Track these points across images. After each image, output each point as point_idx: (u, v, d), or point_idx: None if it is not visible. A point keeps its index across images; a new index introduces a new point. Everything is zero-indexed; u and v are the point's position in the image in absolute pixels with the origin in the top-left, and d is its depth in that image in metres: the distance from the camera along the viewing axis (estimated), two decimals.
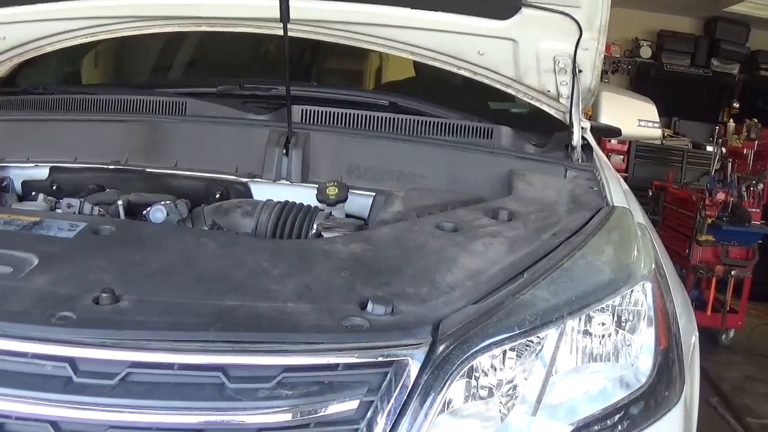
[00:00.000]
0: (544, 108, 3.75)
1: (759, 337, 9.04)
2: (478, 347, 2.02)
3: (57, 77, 4.74)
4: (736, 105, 11.45)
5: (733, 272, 8.53)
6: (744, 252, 8.64)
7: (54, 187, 3.28)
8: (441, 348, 1.98)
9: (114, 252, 2.33)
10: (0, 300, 1.98)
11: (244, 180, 3.31)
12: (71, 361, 1.85)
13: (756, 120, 9.54)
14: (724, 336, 8.88)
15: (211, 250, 2.38)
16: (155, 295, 2.06)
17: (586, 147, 3.60)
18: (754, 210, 8.77)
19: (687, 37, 12.52)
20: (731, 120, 10.22)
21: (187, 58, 5.13)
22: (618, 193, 3.07)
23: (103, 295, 1.98)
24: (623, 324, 2.24)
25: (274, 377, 1.88)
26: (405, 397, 1.94)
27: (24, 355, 1.86)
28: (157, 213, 2.88)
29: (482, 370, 2.04)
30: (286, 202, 3.01)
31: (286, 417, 1.87)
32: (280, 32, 3.07)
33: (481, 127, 3.56)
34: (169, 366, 1.88)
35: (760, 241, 8.70)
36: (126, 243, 2.42)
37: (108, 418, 1.83)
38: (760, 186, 9.04)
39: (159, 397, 1.85)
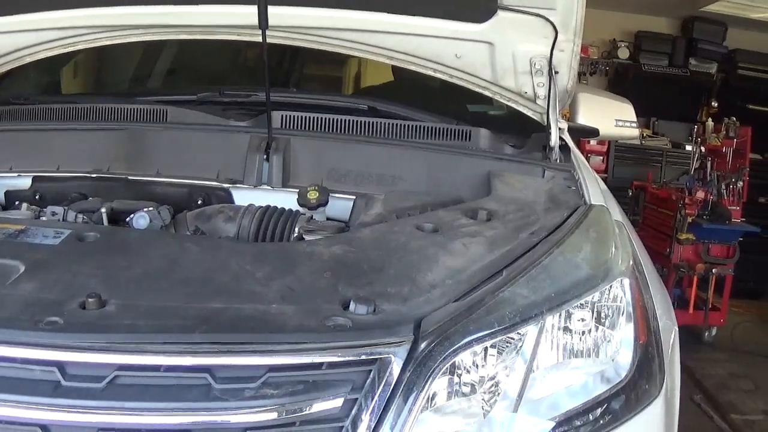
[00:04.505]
0: (522, 109, 3.78)
1: (741, 334, 9.10)
2: (460, 344, 2.04)
3: (37, 87, 4.74)
4: (715, 104, 11.41)
5: (714, 270, 8.55)
6: (725, 250, 8.68)
7: (37, 197, 3.28)
8: (423, 345, 2.01)
9: (99, 258, 2.35)
10: None
11: (226, 186, 3.32)
12: (59, 365, 1.88)
13: (734, 118, 9.54)
14: (706, 334, 8.90)
15: (195, 255, 2.41)
16: (141, 299, 2.08)
17: (564, 147, 3.62)
18: (734, 208, 8.81)
19: (664, 37, 12.53)
20: (710, 119, 10.20)
21: (167, 67, 5.13)
22: (595, 191, 3.11)
23: (90, 299, 2.00)
24: (603, 320, 2.27)
25: (259, 377, 1.91)
26: (388, 395, 1.96)
27: (13, 360, 1.88)
28: (141, 220, 2.89)
29: (464, 367, 2.07)
30: (268, 206, 3.02)
31: (272, 416, 1.90)
32: (259, 39, 3.09)
33: (459, 130, 3.58)
34: (156, 368, 1.91)
35: (741, 239, 8.71)
36: (111, 249, 2.44)
37: (97, 420, 1.85)
38: (740, 184, 9.08)
39: (147, 398, 1.87)
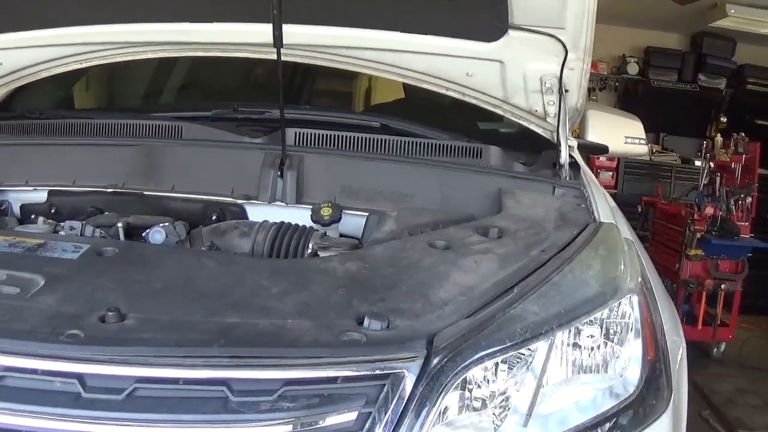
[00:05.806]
0: (532, 127, 3.82)
1: (750, 349, 9.08)
2: (471, 359, 2.07)
3: (50, 102, 4.75)
4: (724, 119, 11.37)
5: (723, 286, 8.50)
6: (734, 265, 8.63)
7: (53, 210, 3.31)
8: (435, 360, 2.04)
9: (118, 272, 2.38)
10: (9, 319, 2.03)
11: (240, 202, 3.35)
12: (80, 377, 1.91)
13: (743, 134, 9.47)
14: (715, 349, 8.86)
15: (211, 270, 2.44)
16: (159, 313, 2.12)
17: (574, 165, 3.64)
18: (742, 224, 8.76)
19: (674, 52, 12.48)
20: (719, 134, 10.13)
21: (180, 83, 5.15)
22: (605, 209, 3.14)
23: (109, 313, 2.03)
24: (611, 336, 2.30)
25: (275, 390, 1.94)
26: (401, 409, 1.99)
27: (34, 372, 1.92)
28: (157, 235, 2.92)
29: (475, 382, 2.10)
30: (282, 222, 3.05)
31: (288, 428, 1.93)
32: (274, 57, 3.12)
33: (470, 147, 3.60)
34: (175, 381, 1.94)
35: (750, 255, 8.69)
36: (129, 263, 2.47)
37: None
38: (749, 199, 9.01)
39: (165, 410, 1.90)
